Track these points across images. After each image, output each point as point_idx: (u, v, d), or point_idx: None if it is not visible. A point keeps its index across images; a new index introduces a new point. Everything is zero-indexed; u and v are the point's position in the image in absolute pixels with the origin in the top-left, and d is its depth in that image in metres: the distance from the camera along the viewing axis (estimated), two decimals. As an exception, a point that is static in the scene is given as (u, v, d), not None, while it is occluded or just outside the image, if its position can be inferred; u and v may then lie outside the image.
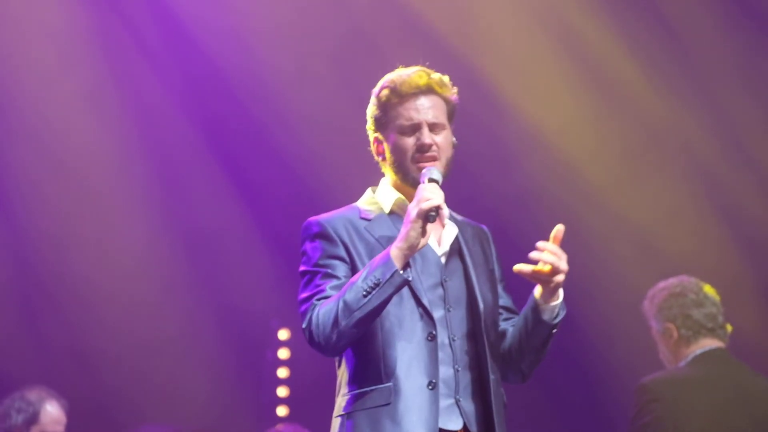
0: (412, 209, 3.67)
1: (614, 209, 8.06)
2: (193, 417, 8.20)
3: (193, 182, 8.48)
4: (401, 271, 3.65)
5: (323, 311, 3.67)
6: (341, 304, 3.64)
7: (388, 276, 3.63)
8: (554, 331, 3.86)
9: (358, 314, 3.63)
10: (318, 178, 8.20)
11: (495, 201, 7.78)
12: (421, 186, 3.74)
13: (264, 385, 8.67)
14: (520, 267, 3.73)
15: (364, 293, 3.63)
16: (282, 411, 8.63)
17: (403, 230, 3.68)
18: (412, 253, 3.67)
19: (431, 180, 3.76)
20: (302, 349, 8.68)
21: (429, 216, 3.66)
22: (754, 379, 5.57)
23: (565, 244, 3.82)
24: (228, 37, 8.08)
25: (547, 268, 3.74)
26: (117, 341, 8.16)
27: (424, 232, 3.67)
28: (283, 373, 8.69)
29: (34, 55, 7.87)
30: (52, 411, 6.11)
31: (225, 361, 8.47)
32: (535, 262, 3.75)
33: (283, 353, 8.71)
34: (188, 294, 8.41)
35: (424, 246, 3.71)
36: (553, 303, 3.82)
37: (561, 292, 3.83)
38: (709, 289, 5.67)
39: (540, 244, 3.74)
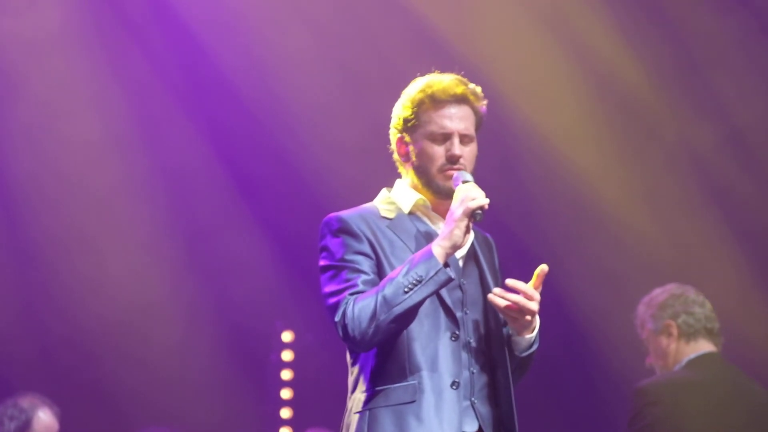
0: (457, 209, 3.68)
1: (617, 214, 8.03)
2: (197, 419, 8.19)
3: (197, 183, 8.47)
4: (445, 269, 3.64)
5: (360, 305, 3.64)
6: (380, 298, 3.61)
7: (432, 273, 3.62)
8: (528, 361, 3.86)
9: (397, 310, 3.61)
10: (324, 180, 8.19)
11: (496, 207, 7.75)
12: (462, 186, 3.74)
13: (267, 387, 8.66)
14: (492, 297, 3.73)
15: (406, 289, 3.61)
16: (285, 413, 8.63)
17: (447, 229, 3.68)
18: (453, 252, 3.68)
19: (465, 181, 3.77)
20: (306, 351, 8.70)
21: (475, 215, 3.67)
22: (749, 383, 5.58)
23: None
24: (233, 39, 8.08)
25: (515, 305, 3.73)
26: (119, 343, 8.16)
27: (467, 231, 3.68)
28: (286, 375, 8.69)
29: (35, 59, 7.89)
30: (45, 418, 6.10)
31: (228, 363, 8.45)
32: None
33: (287, 355, 8.71)
34: (192, 296, 8.40)
35: (465, 245, 3.73)
36: (527, 336, 3.81)
37: (537, 324, 3.82)
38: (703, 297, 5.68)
39: (509, 282, 3.74)
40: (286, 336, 8.74)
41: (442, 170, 3.85)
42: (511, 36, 7.96)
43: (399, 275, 3.64)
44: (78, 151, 8.10)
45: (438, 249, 3.66)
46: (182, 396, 8.23)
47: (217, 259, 8.55)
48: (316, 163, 8.26)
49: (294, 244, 8.34)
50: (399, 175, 4.00)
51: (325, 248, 3.82)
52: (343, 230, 3.80)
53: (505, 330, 3.87)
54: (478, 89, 3.94)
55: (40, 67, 7.94)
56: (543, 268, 3.76)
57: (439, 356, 3.72)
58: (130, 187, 8.27)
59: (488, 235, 4.07)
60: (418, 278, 3.62)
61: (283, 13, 8.06)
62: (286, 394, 8.66)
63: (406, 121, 3.91)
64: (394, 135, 3.96)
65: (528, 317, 3.74)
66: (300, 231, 7.84)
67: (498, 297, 3.71)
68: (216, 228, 8.54)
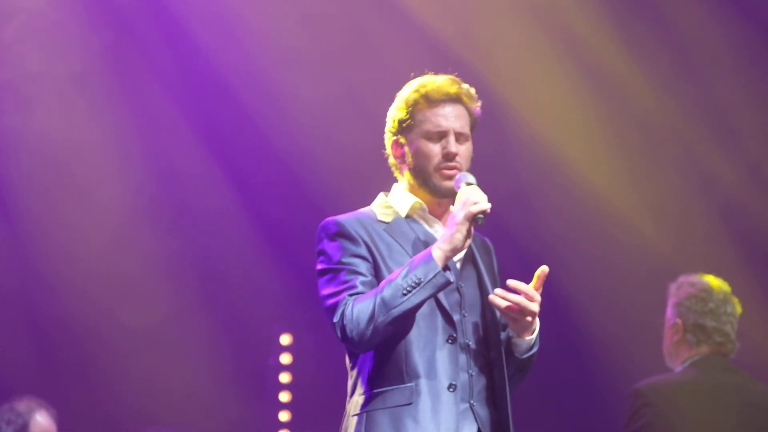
0: (458, 212, 3.69)
1: (617, 215, 8.03)
2: (195, 422, 8.19)
3: (195, 187, 8.47)
4: (444, 272, 3.65)
5: (359, 306, 3.66)
6: (378, 300, 3.63)
7: (430, 276, 3.63)
8: (528, 363, 3.86)
9: (395, 312, 3.62)
10: (324, 182, 8.19)
11: (494, 209, 7.74)
12: (465, 189, 3.75)
13: (266, 390, 8.66)
14: (493, 298, 3.74)
15: (404, 291, 3.62)
16: (284, 416, 8.64)
17: (448, 232, 3.69)
18: (453, 255, 3.69)
19: (468, 184, 3.77)
20: (304, 355, 8.69)
21: (477, 219, 3.68)
22: (750, 385, 5.52)
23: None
24: (231, 40, 8.09)
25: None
26: (118, 346, 8.16)
27: (469, 235, 3.69)
28: (285, 378, 8.69)
29: (38, 64, 7.91)
30: (42, 421, 6.08)
31: (227, 367, 8.45)
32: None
33: (285, 358, 8.70)
34: (190, 300, 8.40)
35: (465, 249, 3.72)
36: (527, 338, 3.82)
37: (537, 326, 3.82)
38: (736, 304, 5.57)
39: (510, 283, 3.74)
40: (285, 339, 8.74)
41: (438, 168, 3.85)
42: (517, 46, 7.98)
43: (398, 277, 3.65)
44: (76, 152, 8.10)
45: (438, 252, 3.67)
46: (180, 399, 8.24)
47: (216, 261, 8.55)
48: (315, 165, 8.26)
49: (292, 247, 8.33)
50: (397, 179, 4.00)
51: (322, 252, 3.83)
52: (340, 234, 3.81)
53: (503, 333, 3.87)
54: (472, 90, 3.95)
55: (37, 73, 7.94)
56: (543, 269, 3.76)
57: (436, 359, 3.73)
58: (127, 190, 8.27)
59: (487, 240, 4.07)
60: (416, 281, 3.63)
61: (281, 15, 8.06)
62: (284, 397, 8.67)
63: (401, 122, 3.91)
64: (389, 138, 3.97)
65: (528, 318, 3.75)
66: (299, 234, 7.82)
67: (499, 298, 3.71)
68: (214, 231, 8.53)
